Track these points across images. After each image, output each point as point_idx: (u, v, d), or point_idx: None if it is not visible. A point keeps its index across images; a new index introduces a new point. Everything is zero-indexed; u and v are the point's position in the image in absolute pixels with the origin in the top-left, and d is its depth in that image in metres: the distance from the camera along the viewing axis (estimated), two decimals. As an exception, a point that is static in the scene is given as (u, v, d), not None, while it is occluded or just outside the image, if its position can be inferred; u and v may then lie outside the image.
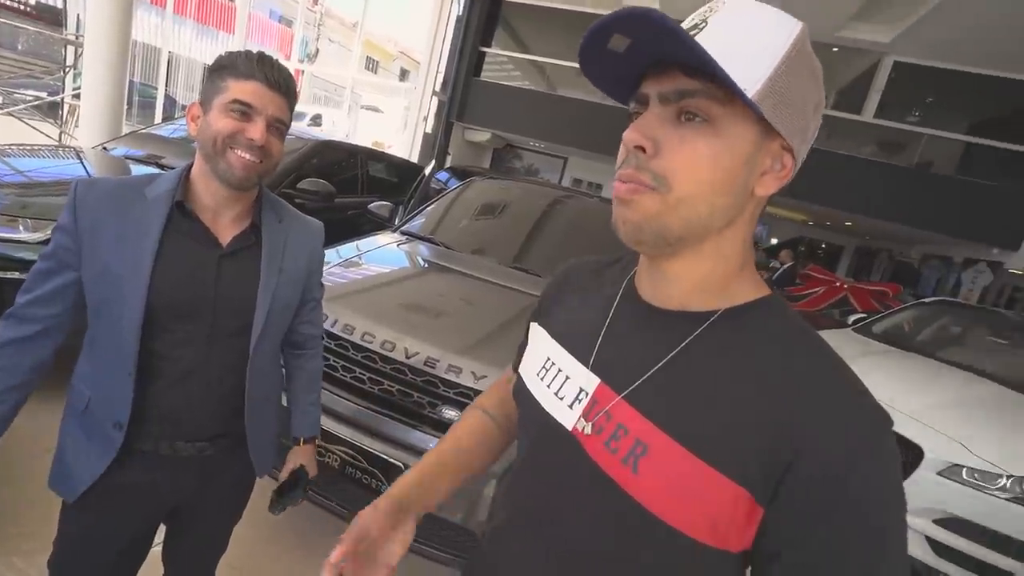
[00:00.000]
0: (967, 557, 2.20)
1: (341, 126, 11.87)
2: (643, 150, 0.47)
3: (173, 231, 0.87)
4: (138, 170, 3.24)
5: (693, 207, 0.47)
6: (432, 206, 3.01)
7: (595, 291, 0.65)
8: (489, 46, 8.58)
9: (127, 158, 3.43)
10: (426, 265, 2.32)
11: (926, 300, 4.67)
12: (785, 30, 0.45)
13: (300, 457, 1.12)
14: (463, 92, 8.24)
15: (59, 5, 7.29)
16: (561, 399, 0.58)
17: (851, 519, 0.42)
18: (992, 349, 3.55)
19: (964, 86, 6.83)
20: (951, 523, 2.23)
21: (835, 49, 6.96)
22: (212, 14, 15.29)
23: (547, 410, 0.59)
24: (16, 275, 2.18)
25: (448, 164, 4.67)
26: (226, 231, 0.92)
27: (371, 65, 22.73)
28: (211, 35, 15.04)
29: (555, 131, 8.03)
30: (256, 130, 0.84)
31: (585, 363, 0.57)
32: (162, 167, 3.35)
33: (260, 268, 0.93)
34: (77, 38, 5.96)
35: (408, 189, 4.65)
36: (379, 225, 3.00)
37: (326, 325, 1.67)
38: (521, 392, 0.65)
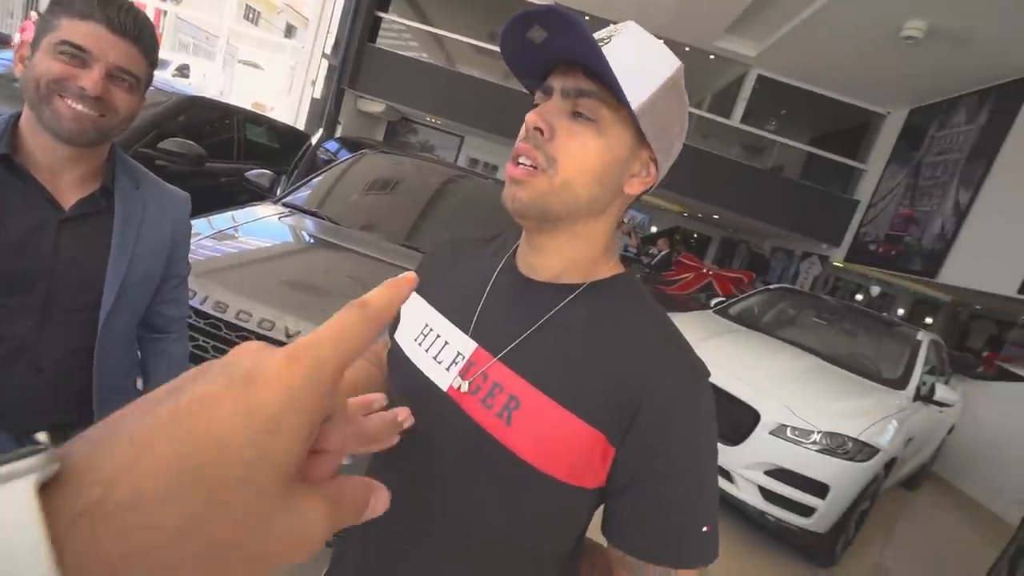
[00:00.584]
0: (788, 500, 2.65)
1: (214, 81, 10.64)
2: (541, 132, 0.54)
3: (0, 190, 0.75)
4: None
5: (573, 191, 0.55)
6: (319, 178, 2.84)
7: (474, 264, 0.69)
8: (386, 11, 8.16)
9: None
10: (311, 240, 2.20)
11: (771, 287, 5.42)
12: (668, 63, 0.55)
13: None
14: (356, 58, 7.76)
15: None
16: (440, 363, 0.61)
17: (682, 452, 0.53)
18: (815, 328, 4.24)
19: (811, 103, 7.91)
20: (778, 473, 2.67)
21: (711, 57, 7.64)
22: (44, -72, 12.73)
23: (425, 372, 0.62)
24: None
25: (339, 134, 4.40)
26: (68, 193, 0.80)
27: (251, 15, 20.50)
28: None
29: (453, 108, 7.91)
30: (89, 78, 0.71)
31: (464, 329, 0.61)
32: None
33: (112, 236, 0.83)
34: None
35: (291, 158, 4.32)
36: (258, 195, 2.78)
37: (194, 302, 1.53)
38: (396, 357, 0.67)
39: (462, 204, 2.90)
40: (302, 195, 2.66)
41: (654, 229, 11.86)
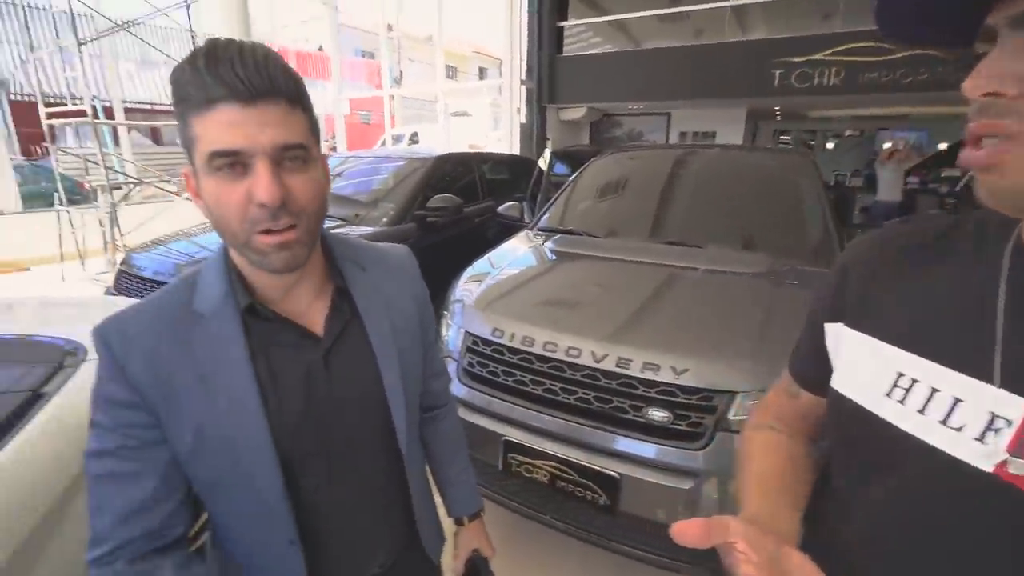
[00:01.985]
0: None
1: (436, 138, 12.31)
2: (999, 95, 0.37)
3: (259, 347, 0.62)
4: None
5: None
6: (563, 195, 2.90)
7: (938, 272, 0.49)
8: (566, 19, 8.27)
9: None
10: (582, 260, 2.22)
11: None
12: None
13: (471, 540, 0.93)
14: (550, 73, 8.03)
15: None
16: (958, 430, 0.43)
17: None
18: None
19: None
20: None
21: None
22: (309, 68, 16.78)
23: (930, 444, 0.44)
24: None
25: (548, 149, 4.54)
26: (312, 314, 0.66)
27: (450, 73, 23.36)
28: (313, 86, 16.51)
29: (650, 88, 7.49)
30: (260, 185, 0.53)
31: (983, 376, 0.42)
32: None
33: (371, 345, 0.69)
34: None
35: (523, 184, 4.62)
36: (508, 227, 2.98)
37: (503, 340, 1.64)
38: (852, 416, 0.51)
39: (715, 182, 2.61)
40: (554, 216, 2.74)
41: (942, 146, 9.16)
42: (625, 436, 1.44)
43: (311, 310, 0.66)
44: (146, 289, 2.73)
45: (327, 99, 15.81)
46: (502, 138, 8.33)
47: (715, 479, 1.34)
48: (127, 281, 2.85)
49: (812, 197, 2.37)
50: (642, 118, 9.54)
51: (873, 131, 11.37)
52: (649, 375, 1.43)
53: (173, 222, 4.74)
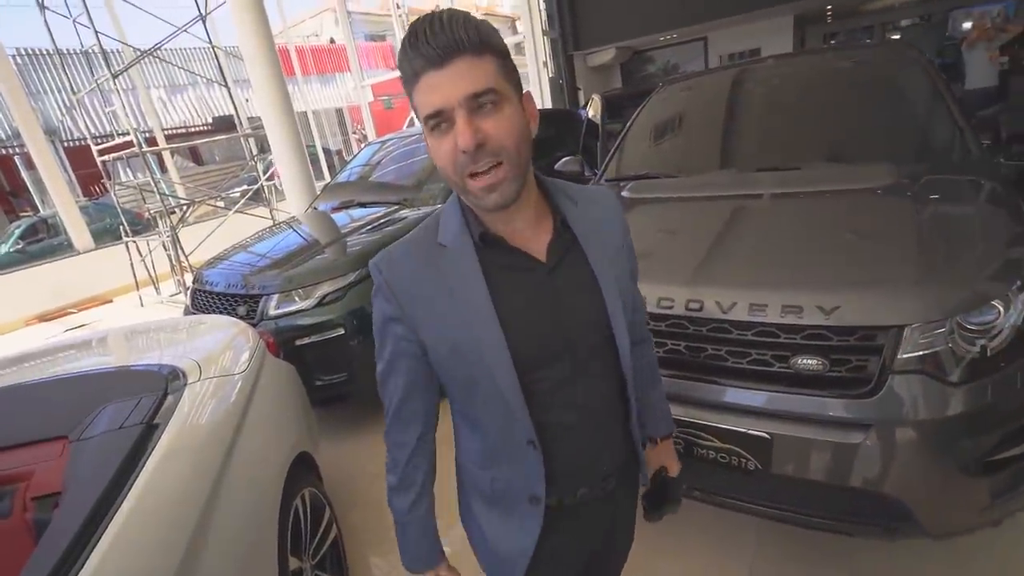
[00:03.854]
0: None
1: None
2: None
3: (493, 269, 0.71)
4: (341, 218, 3.53)
5: None
6: (626, 140, 2.66)
7: None
8: (582, -45, 7.70)
9: (333, 209, 3.78)
10: (670, 203, 2.00)
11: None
12: None
13: (661, 457, 1.00)
14: (572, 18, 7.56)
15: (229, 110, 8.52)
16: None
17: None
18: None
19: None
20: None
21: None
22: (326, 62, 16.72)
23: None
24: (308, 340, 2.48)
25: (597, 96, 4.25)
26: (536, 242, 0.73)
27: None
28: (333, 80, 16.50)
29: (683, 11, 6.91)
30: (462, 135, 0.59)
31: None
32: (363, 204, 3.60)
33: (592, 268, 0.75)
34: (254, 131, 6.89)
35: (568, 139, 4.35)
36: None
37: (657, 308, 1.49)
38: None
39: (796, 95, 2.29)
40: (624, 164, 2.51)
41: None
42: (771, 392, 1.26)
43: (535, 239, 0.73)
44: (221, 303, 2.76)
45: (347, 90, 15.74)
46: (534, 96, 7.98)
47: (890, 429, 1.15)
48: (203, 298, 2.89)
49: (926, 88, 2.03)
50: (675, 49, 8.88)
51: (942, 14, 10.08)
52: (791, 319, 1.23)
53: (228, 236, 4.83)
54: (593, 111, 4.00)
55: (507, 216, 0.70)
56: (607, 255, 0.77)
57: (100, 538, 0.92)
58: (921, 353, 1.13)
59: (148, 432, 1.17)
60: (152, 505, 1.02)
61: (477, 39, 0.59)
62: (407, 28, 0.61)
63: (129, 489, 1.02)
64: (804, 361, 1.23)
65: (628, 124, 2.71)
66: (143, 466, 1.08)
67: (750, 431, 1.26)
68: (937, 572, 1.46)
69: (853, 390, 1.18)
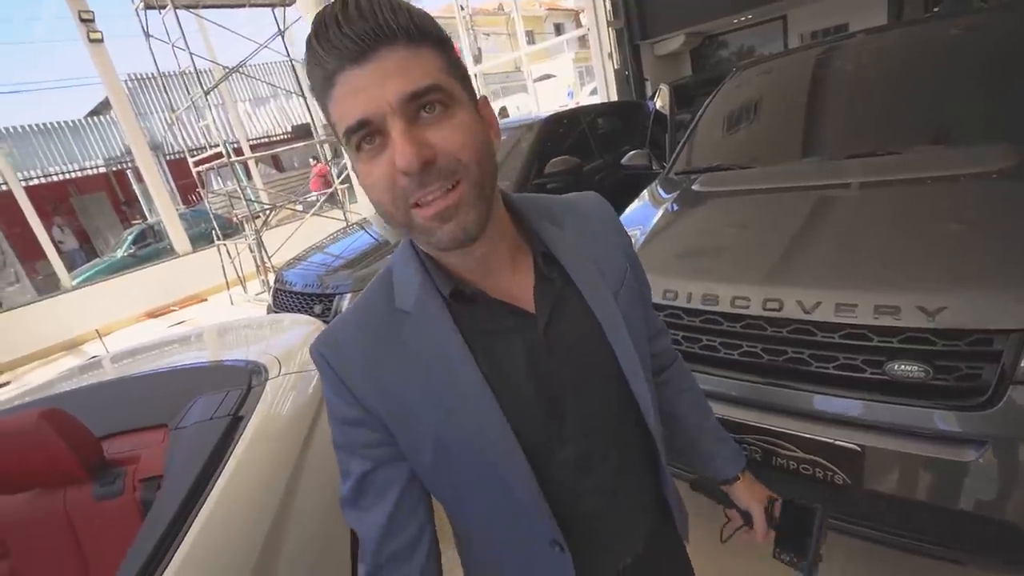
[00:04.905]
0: None
1: (525, 108, 12.04)
2: None
3: (475, 335, 0.55)
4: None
5: None
6: (698, 130, 2.53)
7: None
8: (647, -60, 7.45)
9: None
10: (749, 196, 1.89)
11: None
12: None
13: (755, 492, 0.83)
14: (638, 8, 7.34)
15: (306, 119, 9.06)
16: None
17: None
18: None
19: None
20: None
21: None
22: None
23: None
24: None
25: (665, 87, 4.09)
26: (518, 289, 0.57)
27: (529, 38, 22.73)
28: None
29: (760, -10, 6.49)
30: (401, 152, 0.44)
31: None
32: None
33: (593, 312, 0.59)
34: (327, 137, 7.28)
35: (635, 132, 4.23)
36: (636, 179, 2.69)
37: (678, 302, 1.42)
38: None
39: (913, 64, 2.07)
40: (696, 155, 2.40)
41: None
42: (862, 399, 1.15)
43: (515, 284, 0.57)
44: (299, 301, 2.93)
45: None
46: (596, 91, 7.84)
47: (1011, 446, 1.01)
48: (283, 297, 3.08)
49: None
50: (751, 31, 8.38)
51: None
52: (887, 320, 1.12)
53: (307, 237, 5.13)
54: (661, 102, 3.86)
55: (477, 256, 0.54)
56: (610, 287, 0.61)
57: (196, 516, 1.01)
58: (1052, 361, 0.99)
59: (235, 423, 1.26)
60: (240, 488, 1.11)
61: (412, 24, 0.44)
62: (316, 15, 0.44)
63: (220, 473, 1.10)
64: (902, 367, 1.11)
65: (699, 113, 2.59)
66: (231, 453, 1.16)
67: (837, 441, 1.16)
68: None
69: (963, 401, 1.05)
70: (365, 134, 0.45)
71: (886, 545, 1.24)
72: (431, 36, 0.46)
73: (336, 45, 0.43)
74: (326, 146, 7.69)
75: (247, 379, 1.47)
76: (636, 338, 0.62)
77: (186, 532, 0.97)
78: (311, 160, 11.44)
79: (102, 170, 13.36)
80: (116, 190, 14.56)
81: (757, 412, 1.28)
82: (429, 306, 0.54)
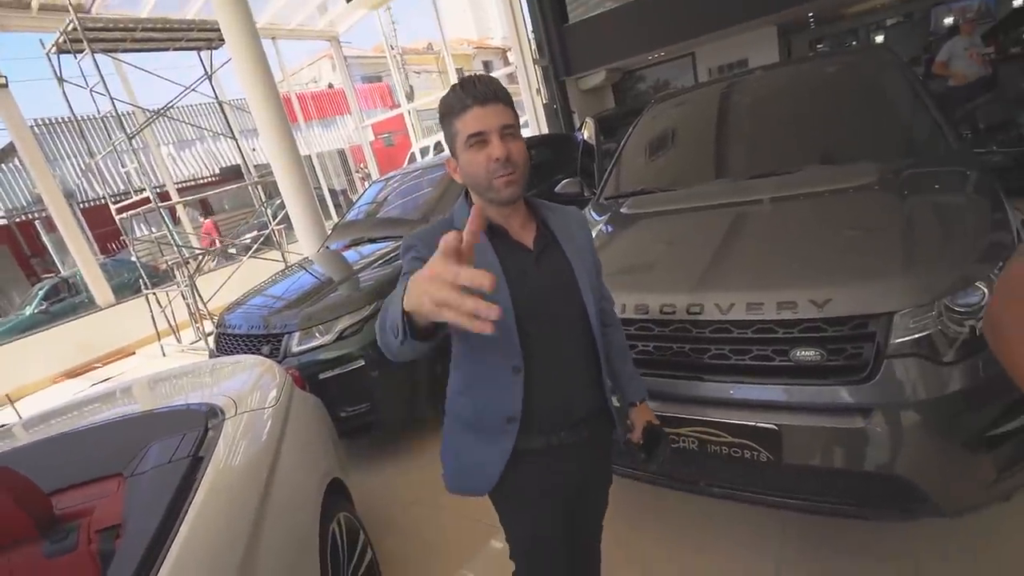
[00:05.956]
0: None
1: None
2: None
3: (498, 248, 0.98)
4: (352, 255, 3.66)
5: None
6: (621, 158, 2.77)
7: None
8: (564, -14, 8.02)
9: (344, 247, 3.92)
10: (668, 215, 2.10)
11: None
12: None
13: (644, 416, 1.24)
14: (560, 46, 7.84)
15: (236, 162, 8.83)
16: None
17: None
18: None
19: None
20: None
21: None
22: (326, 107, 17.27)
23: None
24: (331, 373, 2.58)
25: (591, 119, 4.40)
26: (524, 236, 1.01)
27: (458, 75, 23.37)
28: (334, 123, 17.02)
29: (668, 30, 7.14)
30: (495, 147, 0.91)
31: None
32: (373, 240, 3.73)
33: (567, 257, 1.02)
34: (261, 178, 7.15)
35: (565, 162, 4.49)
36: (571, 205, 2.88)
37: (618, 313, 1.57)
38: None
39: (784, 103, 2.41)
40: (621, 182, 2.62)
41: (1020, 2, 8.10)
42: (775, 385, 1.33)
43: (524, 233, 1.02)
44: (245, 344, 2.87)
45: (348, 131, 16.23)
46: (527, 123, 8.22)
47: (890, 411, 1.21)
48: (227, 341, 3.00)
49: (904, 88, 2.13)
50: (665, 66, 9.12)
51: (924, 11, 10.29)
52: (787, 314, 1.31)
53: (244, 281, 4.99)
54: (588, 133, 4.15)
55: (508, 212, 0.99)
56: (577, 251, 1.05)
57: (162, 564, 0.99)
58: (913, 337, 1.20)
59: (195, 464, 1.26)
60: (205, 530, 1.10)
61: (506, 96, 0.94)
62: (460, 79, 0.94)
63: (184, 516, 1.10)
64: (802, 353, 1.30)
65: (622, 143, 2.84)
66: (194, 495, 1.16)
67: (759, 424, 1.32)
68: (957, 548, 1.49)
69: (851, 377, 1.25)
70: (479, 139, 0.91)
71: (809, 512, 1.41)
72: (511, 103, 0.95)
73: (473, 94, 0.90)
74: (259, 187, 7.53)
75: (203, 421, 1.46)
76: (591, 281, 1.04)
77: (155, 576, 0.96)
78: (200, 218, 10.75)
79: (3, 222, 12.32)
80: (20, 242, 13.40)
81: (689, 406, 1.43)
82: None
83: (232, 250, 8.35)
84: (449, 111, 0.93)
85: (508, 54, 8.66)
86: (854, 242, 1.47)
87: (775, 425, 1.30)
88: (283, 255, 7.10)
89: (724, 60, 8.62)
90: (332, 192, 13.31)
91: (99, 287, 7.52)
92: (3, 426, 2.02)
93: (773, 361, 1.34)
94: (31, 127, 7.53)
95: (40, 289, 9.59)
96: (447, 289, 0.55)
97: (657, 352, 1.51)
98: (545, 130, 7.76)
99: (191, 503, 1.13)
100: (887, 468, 1.22)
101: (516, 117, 0.95)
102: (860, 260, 1.37)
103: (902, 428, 1.20)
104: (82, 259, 7.46)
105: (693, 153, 2.55)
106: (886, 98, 2.18)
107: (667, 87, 9.02)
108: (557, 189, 2.96)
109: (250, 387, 1.76)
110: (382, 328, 0.80)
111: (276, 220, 7.26)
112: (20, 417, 2.47)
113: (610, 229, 2.21)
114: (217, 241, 8.90)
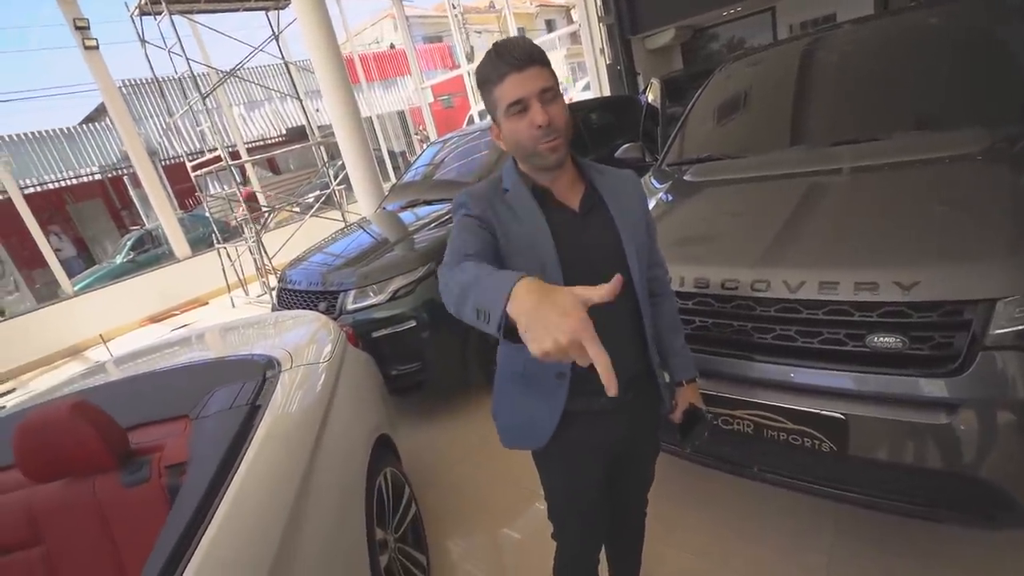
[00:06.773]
0: None
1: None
2: None
3: (544, 209, 0.97)
4: (408, 216, 3.70)
5: None
6: (688, 122, 2.60)
7: None
8: (636, -65, 7.48)
9: (400, 208, 3.96)
10: (738, 184, 1.95)
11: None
12: None
13: (689, 397, 1.18)
14: (627, 2, 7.38)
15: (302, 122, 9.06)
16: None
17: None
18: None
19: None
20: None
21: None
22: (387, 68, 17.35)
23: None
24: (383, 332, 2.65)
25: (656, 80, 4.14)
26: (571, 198, 1.00)
27: (519, 34, 22.72)
28: (395, 84, 17.12)
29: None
30: (536, 114, 0.89)
31: None
32: (428, 202, 3.74)
33: (613, 218, 1.00)
34: (324, 139, 7.32)
35: (628, 126, 4.29)
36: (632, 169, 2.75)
37: (672, 286, 1.49)
38: None
39: (895, 53, 2.14)
40: (687, 146, 2.47)
41: None
42: (845, 371, 1.22)
43: (570, 195, 1.00)
44: (304, 299, 2.99)
45: (408, 92, 16.27)
46: (588, 86, 7.89)
47: (983, 408, 1.08)
48: (288, 296, 3.14)
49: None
50: (740, 23, 8.43)
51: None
52: (865, 296, 1.19)
53: (306, 238, 5.18)
54: (653, 95, 3.92)
55: (554, 175, 0.98)
56: (625, 214, 1.02)
57: (222, 499, 1.06)
58: (1018, 328, 1.06)
59: (253, 411, 1.33)
60: (261, 472, 1.16)
61: (541, 57, 0.90)
62: (493, 44, 0.91)
63: (242, 458, 1.17)
64: (881, 339, 1.18)
65: (690, 106, 2.65)
66: (252, 439, 1.23)
67: (822, 412, 1.23)
68: (1045, 566, 1.36)
69: (938, 368, 1.12)
70: (520, 107, 0.89)
71: (872, 508, 1.31)
72: (548, 63, 0.92)
73: (508, 61, 0.88)
74: (323, 148, 7.73)
75: (261, 372, 1.53)
76: (638, 243, 1.01)
77: (214, 513, 1.03)
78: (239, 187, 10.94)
79: (98, 177, 13.37)
80: (112, 197, 14.56)
81: (747, 388, 1.35)
82: (522, 189, 0.97)
83: (297, 209, 8.69)
84: (487, 80, 0.92)
85: (572, 12, 8.27)
86: (949, 219, 1.31)
87: (841, 414, 1.21)
88: (343, 215, 7.31)
89: (809, 15, 7.84)
90: (391, 154, 13.48)
91: (177, 240, 8.07)
92: (99, 363, 2.22)
93: (845, 346, 1.23)
94: (118, 87, 8.01)
95: (128, 240, 10.44)
96: (576, 348, 0.59)
97: (715, 329, 1.42)
98: (608, 92, 7.43)
99: (248, 447, 1.20)
100: (971, 470, 1.10)
101: (554, 77, 0.92)
102: (956, 240, 1.22)
103: (995, 427, 1.07)
104: (163, 214, 7.99)
105: (768, 117, 2.34)
106: (1004, 52, 1.89)
107: (742, 46, 8.35)
108: (617, 154, 2.84)
109: (306, 342, 1.83)
110: (462, 298, 0.74)
111: (337, 180, 7.46)
112: (111, 355, 2.71)
113: (670, 197, 2.09)
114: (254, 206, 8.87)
